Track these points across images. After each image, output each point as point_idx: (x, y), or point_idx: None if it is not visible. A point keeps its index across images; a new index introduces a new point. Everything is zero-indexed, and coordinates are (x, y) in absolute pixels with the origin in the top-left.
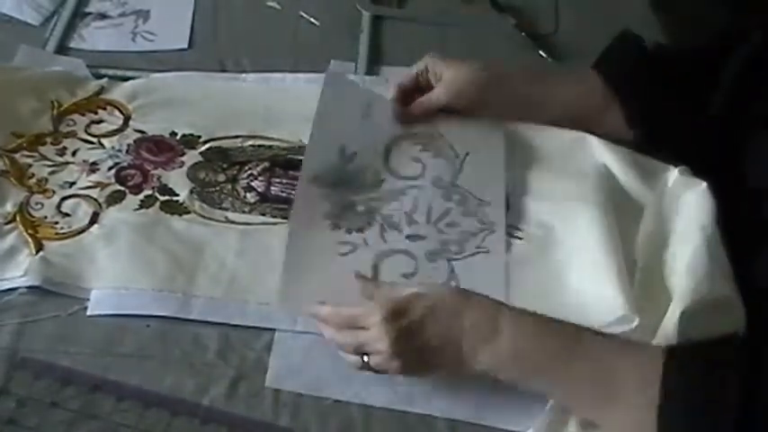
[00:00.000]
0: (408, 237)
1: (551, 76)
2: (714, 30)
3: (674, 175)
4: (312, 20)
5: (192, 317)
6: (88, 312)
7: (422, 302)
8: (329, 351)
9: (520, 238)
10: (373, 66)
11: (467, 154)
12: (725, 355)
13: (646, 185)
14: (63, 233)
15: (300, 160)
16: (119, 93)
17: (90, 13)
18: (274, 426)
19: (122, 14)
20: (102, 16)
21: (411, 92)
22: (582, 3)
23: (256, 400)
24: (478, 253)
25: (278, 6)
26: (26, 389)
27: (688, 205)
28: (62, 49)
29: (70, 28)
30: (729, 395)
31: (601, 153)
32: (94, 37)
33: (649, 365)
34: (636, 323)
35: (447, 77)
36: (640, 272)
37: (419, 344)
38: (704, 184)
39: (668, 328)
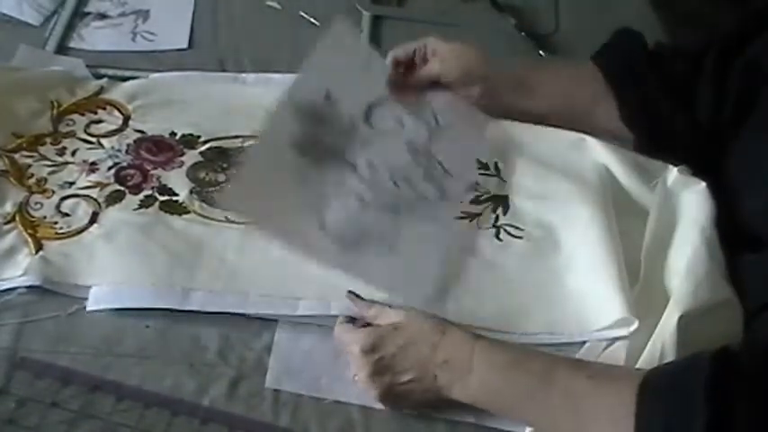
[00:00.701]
0: (366, 182)
1: (548, 64)
2: (713, 28)
3: (673, 174)
4: (312, 20)
5: (191, 308)
6: (87, 308)
7: (397, 339)
8: (329, 352)
9: (520, 238)
10: None
11: (449, 126)
12: (696, 386)
13: (646, 186)
14: (62, 233)
15: None
16: (118, 93)
17: (90, 13)
18: (274, 426)
19: (122, 14)
20: (102, 16)
21: (407, 67)
22: (582, 3)
23: (256, 401)
24: (427, 218)
25: (278, 6)
26: (26, 389)
27: (687, 205)
28: (62, 49)
29: (70, 28)
30: (698, 427)
31: (601, 154)
32: (94, 37)
33: (621, 399)
34: (635, 326)
35: (443, 50)
36: (644, 274)
37: (394, 377)
38: (703, 184)
39: (666, 330)
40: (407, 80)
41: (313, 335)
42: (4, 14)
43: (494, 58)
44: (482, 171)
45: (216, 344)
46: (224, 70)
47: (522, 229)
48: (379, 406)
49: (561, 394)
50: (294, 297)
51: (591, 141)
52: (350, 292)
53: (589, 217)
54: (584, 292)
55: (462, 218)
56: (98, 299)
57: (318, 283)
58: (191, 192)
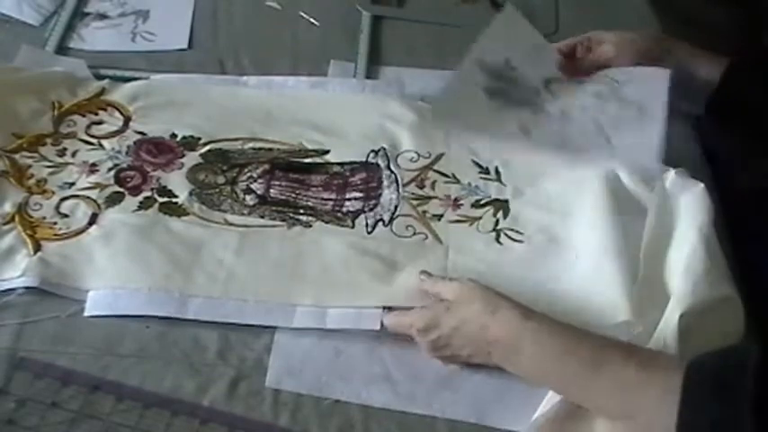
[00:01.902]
0: (560, 116)
1: (702, 54)
2: (713, 28)
3: (670, 176)
4: (312, 20)
5: (188, 317)
6: (85, 313)
7: (449, 319)
8: (329, 351)
9: (520, 242)
10: (373, 66)
11: (628, 81)
12: (740, 381)
13: (648, 188)
14: (61, 234)
15: (301, 163)
16: (119, 94)
17: (89, 14)
18: (274, 426)
19: (122, 14)
20: (102, 16)
21: (567, 57)
22: (582, 3)
23: (256, 400)
24: (634, 130)
25: (278, 6)
26: (26, 389)
27: (686, 206)
28: (61, 49)
29: (70, 28)
30: (744, 424)
31: (605, 156)
32: (94, 37)
33: (670, 389)
34: (639, 331)
35: (612, 37)
36: (644, 273)
37: (452, 352)
38: (701, 185)
39: (668, 328)
40: (575, 65)
41: (313, 334)
42: (4, 14)
43: (655, 35)
44: (482, 175)
45: (216, 344)
46: (224, 70)
47: (522, 233)
48: (380, 405)
49: (609, 382)
50: (291, 303)
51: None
52: (423, 272)
53: (591, 221)
54: (585, 296)
55: (462, 221)
56: (96, 304)
57: (316, 286)
58: (190, 194)
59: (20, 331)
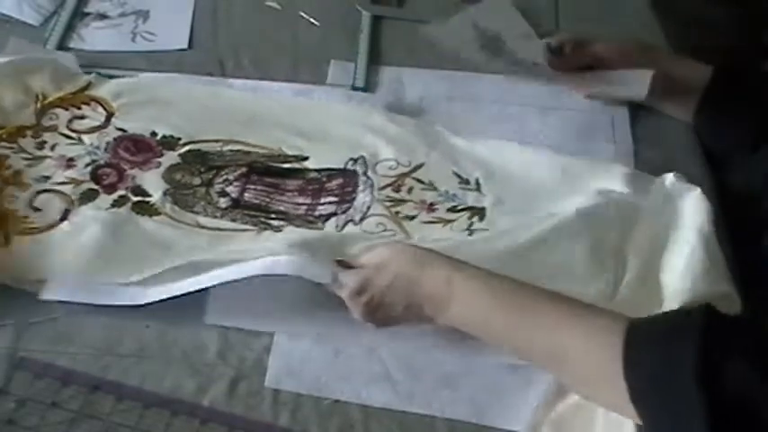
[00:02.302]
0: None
1: (688, 64)
2: (713, 29)
3: (669, 179)
4: (312, 20)
5: (145, 301)
6: (40, 297)
7: (381, 279)
8: (329, 351)
9: (486, 230)
10: (373, 66)
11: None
12: (689, 324)
13: (643, 195)
14: (33, 228)
15: (279, 168)
16: (104, 90)
17: (89, 14)
18: (274, 426)
19: (122, 14)
20: (102, 16)
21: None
22: (582, 3)
23: (256, 400)
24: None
25: (278, 6)
26: (26, 389)
27: (684, 209)
28: (61, 49)
29: (70, 28)
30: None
31: (593, 177)
32: (94, 37)
33: (596, 325)
34: None
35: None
36: (637, 272)
37: (384, 312)
38: (698, 190)
39: None
40: (562, 61)
41: (313, 334)
42: (4, 14)
43: (647, 47)
44: (462, 186)
45: (216, 344)
46: (224, 70)
47: (487, 229)
48: (380, 404)
49: (536, 326)
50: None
51: (581, 166)
52: (337, 260)
53: (571, 222)
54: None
55: (435, 222)
56: (53, 290)
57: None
58: (164, 193)
59: (20, 331)
